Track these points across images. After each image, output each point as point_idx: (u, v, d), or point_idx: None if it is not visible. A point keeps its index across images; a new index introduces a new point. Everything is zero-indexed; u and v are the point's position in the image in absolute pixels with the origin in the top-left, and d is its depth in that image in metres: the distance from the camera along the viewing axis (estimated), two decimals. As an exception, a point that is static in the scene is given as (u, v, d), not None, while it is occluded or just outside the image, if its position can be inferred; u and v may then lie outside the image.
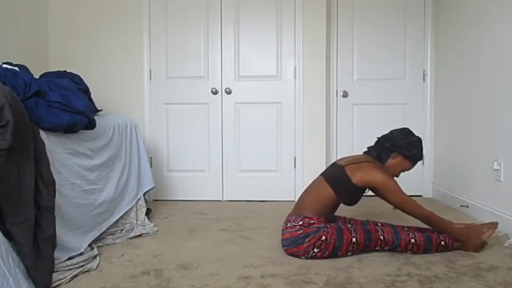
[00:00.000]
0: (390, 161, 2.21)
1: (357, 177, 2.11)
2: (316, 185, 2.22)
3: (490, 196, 2.72)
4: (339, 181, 2.14)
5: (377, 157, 2.22)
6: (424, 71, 3.70)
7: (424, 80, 3.70)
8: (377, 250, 2.13)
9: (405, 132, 2.24)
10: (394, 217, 2.82)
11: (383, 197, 2.16)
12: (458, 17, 3.20)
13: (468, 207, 2.95)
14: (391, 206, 3.29)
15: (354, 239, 2.05)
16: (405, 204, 2.12)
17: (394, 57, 3.69)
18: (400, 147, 2.18)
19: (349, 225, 2.17)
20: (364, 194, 2.24)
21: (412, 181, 3.68)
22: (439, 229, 2.14)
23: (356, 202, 2.23)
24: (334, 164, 2.28)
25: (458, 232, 2.14)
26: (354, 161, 2.19)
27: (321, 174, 2.27)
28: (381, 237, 2.10)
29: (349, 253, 2.07)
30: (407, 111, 3.71)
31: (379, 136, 2.31)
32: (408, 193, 3.69)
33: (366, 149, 2.31)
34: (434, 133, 3.67)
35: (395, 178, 2.26)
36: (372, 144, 2.32)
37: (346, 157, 2.32)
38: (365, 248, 2.10)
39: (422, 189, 3.71)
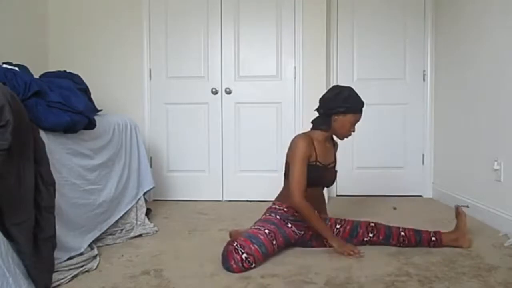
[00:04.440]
0: (335, 124, 2.19)
1: (288, 155, 2.17)
2: (284, 184, 2.26)
3: (490, 196, 2.72)
4: (286, 170, 2.20)
5: (322, 126, 2.21)
6: (424, 71, 3.69)
7: (424, 80, 3.70)
8: (366, 242, 2.20)
9: (333, 91, 2.22)
10: (394, 217, 2.82)
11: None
12: (459, 17, 3.20)
13: (468, 207, 2.93)
14: (391, 206, 3.31)
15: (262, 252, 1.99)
16: (292, 175, 2.08)
17: (394, 57, 3.69)
18: (334, 107, 2.16)
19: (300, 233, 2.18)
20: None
21: (412, 181, 3.69)
22: (315, 227, 2.11)
23: (318, 179, 2.20)
24: None
25: (331, 239, 2.11)
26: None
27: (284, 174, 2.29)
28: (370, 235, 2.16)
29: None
30: (407, 111, 3.71)
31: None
32: (408, 193, 3.73)
33: (311, 125, 2.30)
34: (434, 133, 3.67)
35: (353, 133, 2.24)
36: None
37: None
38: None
39: (422, 189, 3.71)
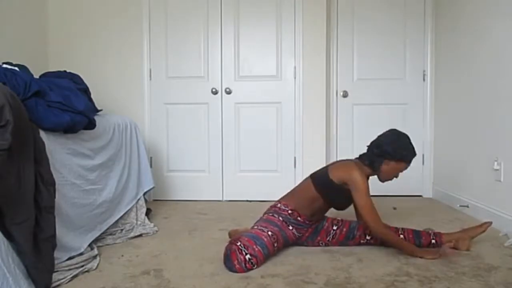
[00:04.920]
0: (384, 167, 2.17)
1: (334, 173, 2.14)
2: (303, 184, 2.26)
3: (490, 196, 2.72)
4: (319, 177, 2.18)
5: (369, 164, 2.18)
6: (424, 71, 3.69)
7: (424, 80, 3.70)
8: (363, 244, 2.22)
9: (392, 135, 2.19)
10: (394, 217, 2.82)
11: (352, 195, 2.12)
12: (459, 17, 3.20)
13: (468, 207, 2.95)
14: (391, 206, 3.31)
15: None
16: (365, 209, 2.07)
17: (394, 57, 3.69)
18: (390, 153, 2.13)
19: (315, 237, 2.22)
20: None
21: (412, 181, 3.68)
22: (396, 246, 2.12)
23: (340, 204, 2.21)
24: (324, 166, 2.30)
25: (416, 250, 2.08)
26: (339, 161, 2.24)
27: (310, 175, 2.28)
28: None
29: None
30: (407, 111, 3.71)
31: (369, 143, 2.25)
32: (408, 193, 3.72)
33: (358, 156, 2.27)
34: (434, 133, 3.67)
35: (395, 178, 2.24)
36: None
37: (337, 161, 2.34)
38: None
39: (422, 189, 3.71)
